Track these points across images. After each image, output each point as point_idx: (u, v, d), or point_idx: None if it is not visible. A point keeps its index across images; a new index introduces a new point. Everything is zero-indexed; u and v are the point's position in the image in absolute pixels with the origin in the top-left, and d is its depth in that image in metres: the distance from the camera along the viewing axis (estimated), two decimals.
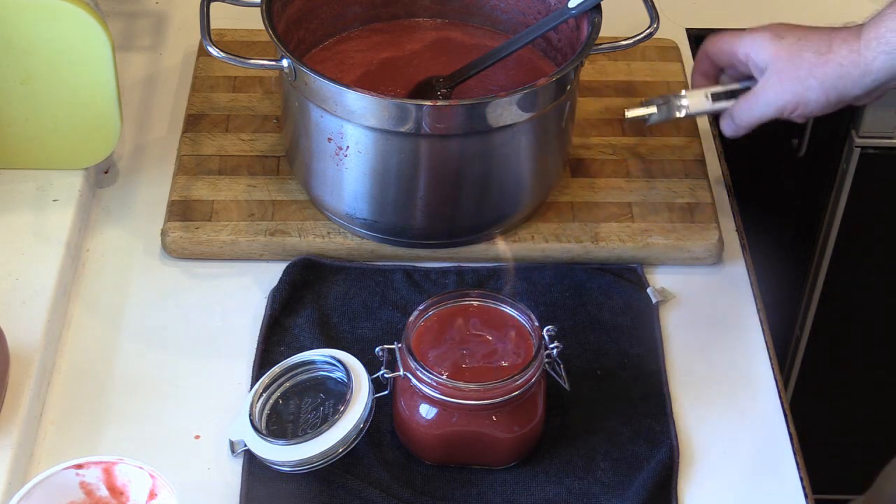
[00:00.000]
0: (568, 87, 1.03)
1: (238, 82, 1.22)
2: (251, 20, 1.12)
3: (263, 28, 1.02)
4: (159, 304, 1.05)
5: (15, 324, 0.97)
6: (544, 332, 0.92)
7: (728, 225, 1.13)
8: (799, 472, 0.95)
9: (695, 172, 1.14)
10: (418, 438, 0.92)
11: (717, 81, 1.11)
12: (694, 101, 1.10)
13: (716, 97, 1.10)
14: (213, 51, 1.02)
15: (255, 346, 1.01)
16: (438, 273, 1.07)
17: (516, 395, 0.90)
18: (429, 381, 0.89)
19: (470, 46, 1.16)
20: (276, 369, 0.96)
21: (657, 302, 1.05)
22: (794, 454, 0.96)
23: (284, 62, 1.01)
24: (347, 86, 0.98)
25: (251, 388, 0.96)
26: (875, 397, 1.60)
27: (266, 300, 1.04)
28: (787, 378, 1.63)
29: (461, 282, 1.06)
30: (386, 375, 0.92)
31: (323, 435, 0.91)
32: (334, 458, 0.91)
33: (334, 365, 0.95)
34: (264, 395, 0.95)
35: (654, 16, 1.08)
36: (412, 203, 1.04)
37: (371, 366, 0.94)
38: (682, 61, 1.28)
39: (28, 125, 1.09)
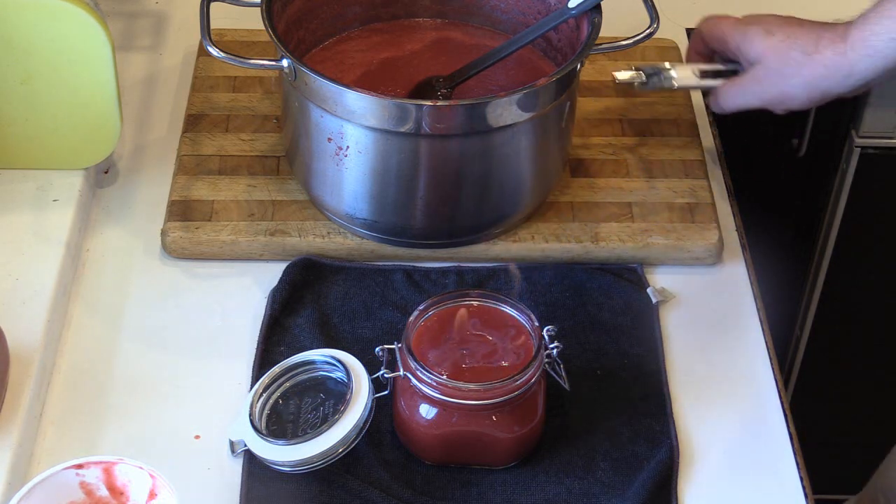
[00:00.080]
0: (568, 87, 1.03)
1: (238, 82, 1.22)
2: (251, 20, 1.12)
3: (263, 28, 1.02)
4: (159, 304, 1.05)
5: (15, 324, 0.97)
6: (544, 332, 0.92)
7: (728, 225, 1.13)
8: (799, 472, 0.95)
9: (695, 172, 1.14)
10: (418, 438, 0.92)
11: (709, 60, 1.15)
12: (682, 75, 1.14)
13: (704, 74, 1.14)
14: (213, 51, 1.02)
15: (255, 346, 1.01)
16: (438, 273, 1.07)
17: (516, 395, 0.90)
18: (429, 381, 0.89)
19: (470, 46, 1.16)
20: (276, 369, 0.96)
21: (657, 302, 1.05)
22: (794, 454, 0.96)
23: (284, 62, 1.01)
24: (347, 86, 0.98)
25: (251, 388, 0.96)
26: (875, 397, 1.60)
27: (266, 300, 1.04)
28: (787, 378, 1.63)
29: (461, 282, 1.06)
30: (386, 375, 0.92)
31: (323, 435, 0.91)
32: (334, 458, 0.91)
33: (334, 365, 0.95)
34: (264, 395, 0.95)
35: (654, 16, 1.08)
36: (412, 203, 1.04)
37: (371, 366, 0.94)
38: (682, 61, 1.27)
39: (28, 125, 1.09)
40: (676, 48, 1.28)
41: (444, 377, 0.89)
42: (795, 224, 1.52)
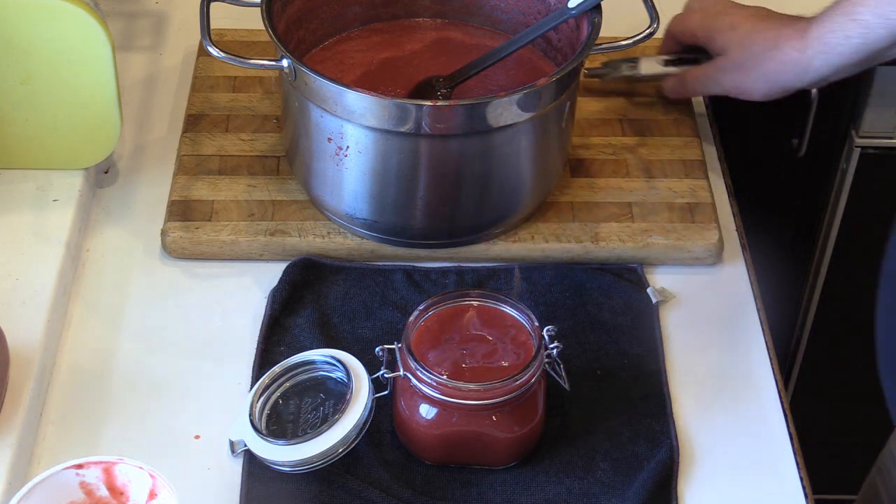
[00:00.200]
0: (568, 87, 1.03)
1: (238, 82, 1.22)
2: (251, 20, 1.12)
3: (263, 28, 1.02)
4: (159, 304, 1.05)
5: (15, 324, 0.97)
6: (544, 332, 0.92)
7: (728, 225, 1.13)
8: (799, 472, 0.95)
9: (695, 172, 1.14)
10: (418, 438, 0.92)
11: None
12: (647, 64, 1.20)
13: (668, 62, 1.20)
14: (213, 51, 1.02)
15: (255, 346, 1.01)
16: (438, 273, 1.07)
17: (516, 395, 0.90)
18: (429, 381, 0.89)
19: (470, 46, 1.16)
20: (276, 369, 0.96)
21: (657, 302, 1.05)
22: (794, 454, 0.96)
23: (284, 62, 1.01)
24: (347, 86, 0.98)
25: (251, 388, 0.96)
26: (875, 397, 1.60)
27: (266, 300, 1.04)
28: (787, 378, 1.63)
29: (461, 282, 1.06)
30: (386, 375, 0.92)
31: (323, 435, 0.91)
32: (334, 458, 0.91)
33: (334, 365, 0.95)
34: (264, 395, 0.95)
35: (654, 16, 1.08)
36: (412, 203, 1.04)
37: (371, 366, 0.94)
38: None
39: (28, 125, 1.09)
40: None
41: (444, 377, 0.89)
42: (795, 224, 1.52)
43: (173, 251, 1.08)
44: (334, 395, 0.94)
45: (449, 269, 1.07)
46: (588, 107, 1.20)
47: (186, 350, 1.02)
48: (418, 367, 0.89)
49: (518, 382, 0.89)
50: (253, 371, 0.99)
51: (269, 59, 1.02)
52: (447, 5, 1.18)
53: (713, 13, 1.15)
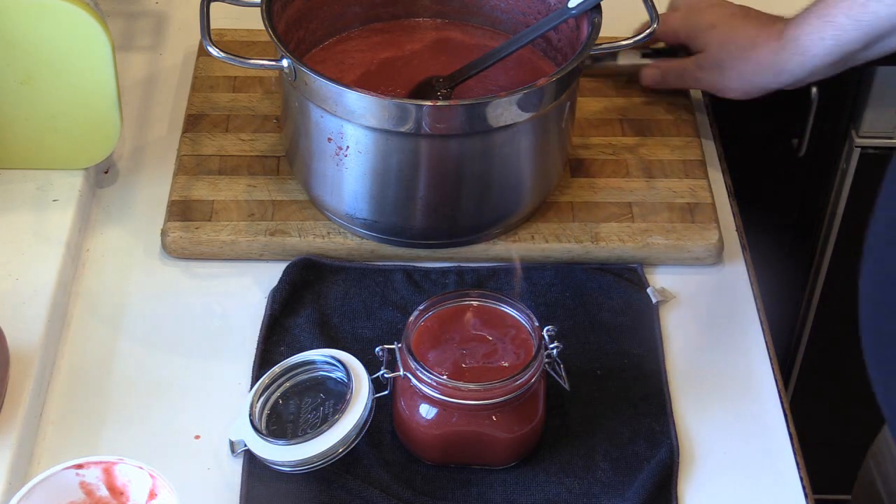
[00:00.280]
0: (568, 87, 1.03)
1: (238, 82, 1.22)
2: (251, 20, 1.12)
3: (263, 28, 1.02)
4: (159, 304, 1.05)
5: (15, 324, 0.97)
6: (544, 332, 0.92)
7: (728, 225, 1.13)
8: (799, 472, 0.95)
9: (695, 172, 1.14)
10: (418, 438, 0.92)
11: None
12: (625, 55, 1.22)
13: (645, 54, 1.22)
14: (213, 51, 1.02)
15: (255, 346, 1.01)
16: (438, 273, 1.07)
17: (516, 395, 0.90)
18: (429, 381, 0.89)
19: (470, 46, 1.16)
20: (276, 369, 0.96)
21: (657, 302, 1.05)
22: (794, 454, 0.96)
23: (284, 62, 1.01)
24: (347, 86, 0.98)
25: (251, 388, 0.96)
26: (875, 397, 1.60)
27: (266, 300, 1.04)
28: (787, 378, 1.63)
29: (461, 282, 1.06)
30: (386, 375, 0.92)
31: (323, 435, 0.91)
32: (334, 458, 0.91)
33: (334, 365, 0.95)
34: (264, 395, 0.95)
35: (654, 16, 1.08)
36: (412, 203, 1.04)
37: (371, 366, 0.94)
38: None
39: (28, 125, 1.09)
40: None
41: (444, 377, 0.89)
42: (795, 224, 1.52)
43: (173, 251, 1.08)
44: (334, 395, 0.94)
45: (449, 269, 1.07)
46: (588, 107, 1.20)
47: (186, 350, 1.02)
48: (418, 367, 0.89)
49: (518, 382, 0.89)
50: (253, 371, 0.99)
51: (269, 59, 1.02)
52: (447, 5, 1.18)
53: (695, 11, 1.17)
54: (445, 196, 1.05)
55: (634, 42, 1.08)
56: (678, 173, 1.14)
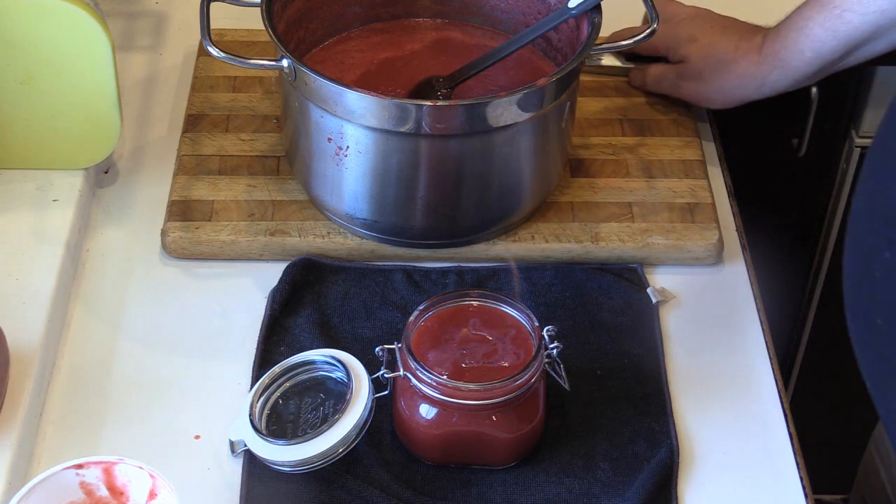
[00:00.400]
0: (568, 87, 1.03)
1: (238, 82, 1.22)
2: (251, 20, 1.12)
3: (263, 28, 1.02)
4: (159, 304, 1.05)
5: (15, 324, 0.97)
6: (544, 332, 0.92)
7: (728, 225, 1.13)
8: (799, 472, 0.95)
9: (695, 172, 1.14)
10: (418, 438, 0.92)
11: None
12: (609, 58, 1.23)
13: (628, 58, 1.23)
14: (213, 51, 1.02)
15: (255, 346, 1.01)
16: (438, 273, 1.07)
17: (516, 395, 0.90)
18: (429, 381, 0.89)
19: (470, 46, 1.16)
20: (276, 369, 0.96)
21: (657, 302, 1.05)
22: (794, 454, 0.96)
23: (284, 62, 1.01)
24: (347, 86, 0.98)
25: (251, 388, 0.96)
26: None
27: (266, 300, 1.04)
28: (787, 378, 1.63)
29: (461, 282, 1.06)
30: (386, 375, 0.92)
31: (323, 435, 0.91)
32: (334, 458, 0.91)
33: (334, 365, 0.95)
34: (264, 395, 0.95)
35: (654, 16, 1.08)
36: (412, 203, 1.04)
37: (371, 366, 0.94)
38: None
39: (28, 125, 1.09)
40: None
41: (444, 377, 0.89)
42: (795, 224, 1.52)
43: (173, 251, 1.08)
44: (334, 395, 0.94)
45: (449, 269, 1.07)
46: (588, 107, 1.20)
47: (186, 350, 1.02)
48: (418, 367, 0.89)
49: (518, 382, 0.89)
50: (253, 371, 0.99)
51: (269, 59, 1.02)
52: (447, 5, 1.18)
53: (673, 23, 1.17)
54: (445, 196, 1.05)
55: (634, 42, 1.08)
56: (678, 173, 1.14)
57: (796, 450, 0.96)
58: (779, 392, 1.00)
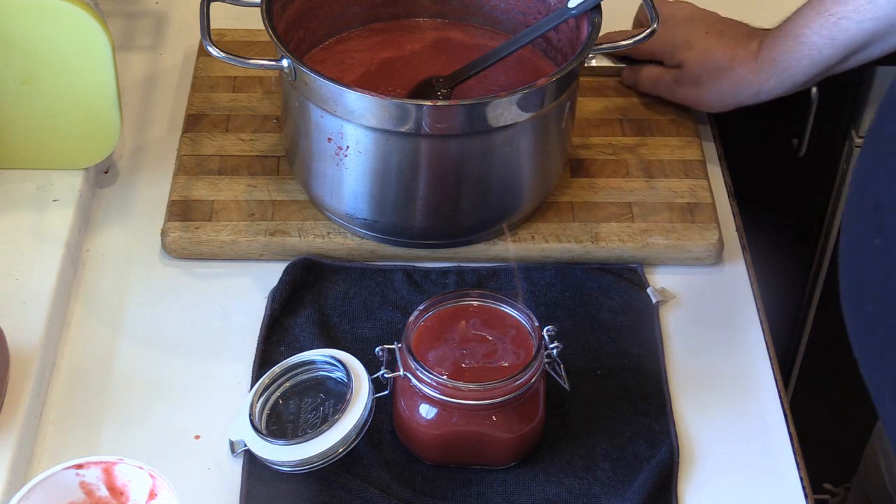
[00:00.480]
0: (568, 87, 1.03)
1: (238, 82, 1.22)
2: (251, 20, 1.12)
3: (263, 28, 1.02)
4: (159, 304, 1.05)
5: (15, 324, 0.97)
6: (544, 332, 0.92)
7: (728, 225, 1.13)
8: (799, 472, 0.95)
9: (695, 172, 1.14)
10: (418, 438, 0.92)
11: None
12: (600, 59, 1.23)
13: (619, 58, 1.23)
14: (213, 51, 1.02)
15: (255, 346, 1.01)
16: (438, 273, 1.07)
17: (516, 395, 0.90)
18: (429, 381, 0.89)
19: (470, 46, 1.16)
20: (276, 369, 0.96)
21: (657, 302, 1.05)
22: (794, 454, 0.96)
23: (284, 62, 1.01)
24: (347, 86, 0.98)
25: (251, 388, 0.96)
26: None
27: (266, 300, 1.04)
28: (787, 378, 1.63)
29: (461, 282, 1.06)
30: (386, 375, 0.92)
31: (323, 435, 0.91)
32: (334, 458, 0.91)
33: (334, 365, 0.95)
34: (264, 395, 0.95)
35: (654, 16, 1.08)
36: (412, 203, 1.04)
37: (371, 366, 0.94)
38: None
39: (28, 125, 1.09)
40: None
41: (444, 377, 0.89)
42: (795, 224, 1.52)
43: (173, 251, 1.08)
44: (334, 395, 0.94)
45: (449, 269, 1.07)
46: (588, 107, 1.20)
47: (186, 350, 1.02)
48: (418, 367, 0.89)
49: (518, 382, 0.89)
50: (253, 371, 0.99)
51: (269, 59, 1.02)
52: (447, 5, 1.18)
53: (668, 27, 1.17)
54: (445, 196, 1.05)
55: (634, 42, 1.08)
56: (678, 173, 1.14)
57: (796, 450, 0.96)
58: (779, 392, 1.00)
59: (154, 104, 1.24)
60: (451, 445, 0.92)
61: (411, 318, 0.92)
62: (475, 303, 0.94)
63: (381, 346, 0.93)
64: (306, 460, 0.90)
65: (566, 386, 0.94)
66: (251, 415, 0.93)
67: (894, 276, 0.73)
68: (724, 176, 1.18)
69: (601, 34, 1.05)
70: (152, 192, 1.14)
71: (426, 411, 0.91)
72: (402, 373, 0.91)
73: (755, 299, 1.07)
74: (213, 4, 1.06)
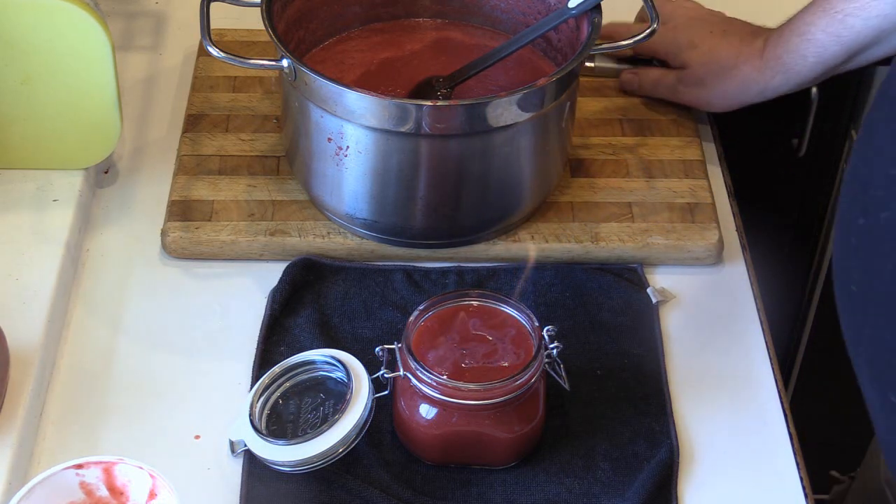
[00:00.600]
0: (568, 87, 1.03)
1: (238, 82, 1.22)
2: (251, 20, 1.12)
3: (263, 28, 1.02)
4: (159, 304, 1.05)
5: (15, 324, 0.97)
6: (544, 332, 0.92)
7: (728, 225, 1.13)
8: (799, 472, 0.95)
9: (695, 172, 1.14)
10: (418, 438, 0.92)
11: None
12: (601, 60, 1.23)
13: (621, 60, 1.23)
14: (213, 51, 1.02)
15: (255, 346, 1.01)
16: (438, 273, 1.07)
17: (516, 395, 0.90)
18: (429, 381, 0.89)
19: (470, 46, 1.16)
20: (276, 369, 0.96)
21: (657, 302, 1.05)
22: (794, 454, 0.96)
23: (284, 62, 1.01)
24: (347, 86, 0.98)
25: (251, 388, 0.96)
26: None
27: (266, 300, 1.04)
28: (787, 378, 1.63)
29: (461, 282, 1.06)
30: (386, 375, 0.92)
31: (323, 435, 0.91)
32: (334, 458, 0.91)
33: (334, 365, 0.95)
34: (264, 395, 0.95)
35: (654, 16, 1.08)
36: (412, 203, 1.04)
37: (371, 366, 0.94)
38: None
39: (28, 125, 1.09)
40: None
41: (444, 377, 0.89)
42: (795, 224, 1.52)
43: (173, 251, 1.08)
44: (334, 395, 0.94)
45: (449, 269, 1.07)
46: (588, 107, 1.20)
47: (186, 350, 1.02)
48: (418, 367, 0.89)
49: (518, 382, 0.89)
50: (253, 371, 0.99)
51: (269, 59, 1.02)
52: (447, 5, 1.18)
53: (671, 27, 1.17)
54: (445, 196, 1.05)
55: (634, 42, 1.08)
56: (678, 173, 1.14)
57: (796, 450, 0.96)
58: (779, 392, 1.00)
59: (154, 104, 1.24)
60: (451, 445, 0.92)
61: (411, 318, 0.92)
62: (475, 303, 0.94)
63: (381, 346, 0.93)
64: (306, 460, 0.90)
65: (566, 386, 0.94)
66: (251, 415, 0.93)
67: (875, 257, 0.74)
68: (724, 176, 1.18)
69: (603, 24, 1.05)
70: (152, 192, 1.14)
71: (426, 411, 0.91)
72: (402, 373, 0.91)
73: (755, 299, 1.07)
74: (213, 4, 1.06)
